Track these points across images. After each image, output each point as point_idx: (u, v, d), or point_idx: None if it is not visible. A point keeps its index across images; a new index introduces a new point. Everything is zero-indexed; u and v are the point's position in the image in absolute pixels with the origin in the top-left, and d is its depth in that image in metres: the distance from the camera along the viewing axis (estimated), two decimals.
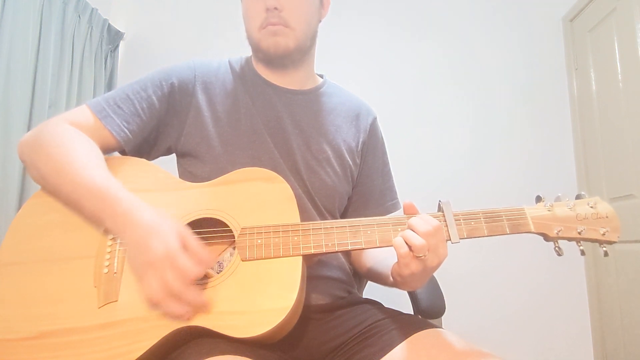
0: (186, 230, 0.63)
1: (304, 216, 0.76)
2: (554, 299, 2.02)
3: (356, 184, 0.94)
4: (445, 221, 0.68)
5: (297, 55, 0.86)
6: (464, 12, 2.28)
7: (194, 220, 0.71)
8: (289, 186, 0.73)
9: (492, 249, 2.02)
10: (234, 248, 0.67)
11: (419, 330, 0.70)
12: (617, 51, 1.86)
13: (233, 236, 0.68)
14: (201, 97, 0.85)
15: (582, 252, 0.71)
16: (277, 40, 0.82)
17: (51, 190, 0.72)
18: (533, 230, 0.70)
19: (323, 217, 0.86)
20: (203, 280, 0.64)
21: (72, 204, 0.69)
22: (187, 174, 0.84)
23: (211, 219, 0.71)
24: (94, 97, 2.10)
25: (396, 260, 0.66)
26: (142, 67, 2.17)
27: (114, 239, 0.69)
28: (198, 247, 0.62)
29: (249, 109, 0.85)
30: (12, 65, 1.71)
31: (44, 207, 0.72)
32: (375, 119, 0.98)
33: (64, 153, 0.70)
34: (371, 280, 0.90)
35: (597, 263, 2.00)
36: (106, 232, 0.69)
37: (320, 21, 0.91)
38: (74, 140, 0.73)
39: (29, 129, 1.73)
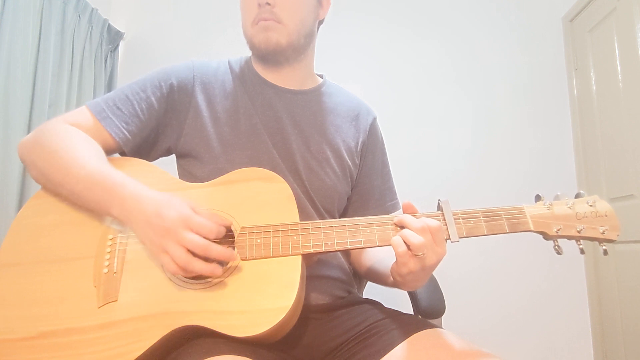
0: (193, 203, 0.65)
1: (303, 216, 0.76)
2: (554, 299, 2.02)
3: (356, 185, 0.94)
4: (445, 220, 0.68)
5: (290, 53, 0.86)
6: (464, 12, 2.28)
7: None
8: (288, 186, 0.73)
9: (492, 249, 2.02)
10: (234, 248, 0.67)
11: (419, 330, 0.70)
12: (617, 51, 1.86)
13: (233, 236, 0.68)
14: (200, 98, 0.85)
15: (582, 251, 0.71)
16: (268, 35, 0.81)
17: (53, 188, 0.72)
18: (532, 229, 0.70)
19: (322, 218, 0.86)
20: (203, 280, 0.64)
21: (76, 197, 0.69)
22: (186, 174, 0.84)
23: None
24: (94, 97, 2.11)
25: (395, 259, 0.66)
26: (142, 67, 2.17)
27: (113, 238, 0.69)
28: (208, 213, 0.64)
29: (248, 109, 0.85)
30: (12, 65, 1.71)
31: (44, 208, 0.72)
32: (375, 119, 0.98)
33: (65, 149, 0.71)
34: (371, 281, 0.90)
35: (597, 263, 1.99)
36: (111, 221, 0.69)
37: (319, 21, 0.91)
38: (73, 138, 0.74)
39: (29, 129, 1.74)
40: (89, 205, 0.69)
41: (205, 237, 0.61)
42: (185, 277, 0.64)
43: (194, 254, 0.60)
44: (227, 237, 0.70)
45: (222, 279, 0.64)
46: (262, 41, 0.82)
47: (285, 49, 0.84)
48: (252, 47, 0.86)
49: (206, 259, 0.61)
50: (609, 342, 1.90)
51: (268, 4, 0.80)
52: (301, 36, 0.85)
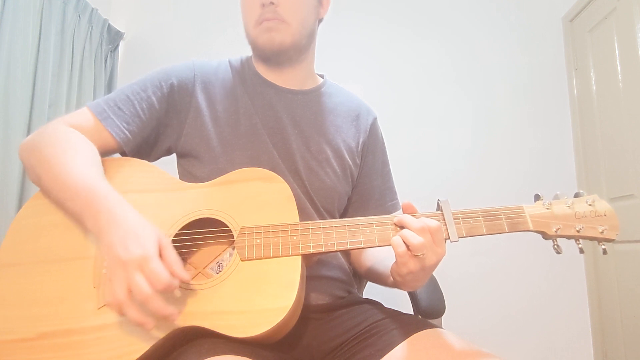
0: (167, 241, 0.61)
1: (303, 216, 0.76)
2: (554, 299, 2.02)
3: (356, 185, 0.94)
4: (444, 220, 0.68)
5: (293, 53, 0.86)
6: (464, 12, 2.29)
7: (193, 221, 0.71)
8: (288, 186, 0.73)
9: (492, 249, 2.02)
10: (234, 248, 0.67)
11: (419, 330, 0.70)
12: (617, 51, 1.86)
13: (232, 236, 0.68)
14: (200, 97, 0.85)
15: (581, 250, 0.71)
16: (272, 35, 0.81)
17: (44, 192, 0.72)
18: (532, 228, 0.70)
19: (322, 218, 0.86)
20: (203, 281, 0.64)
21: (60, 205, 0.69)
22: (186, 174, 0.84)
23: (210, 219, 0.71)
24: (94, 97, 2.11)
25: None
26: (142, 67, 2.17)
27: None
28: (175, 259, 0.60)
29: (248, 109, 0.85)
30: (12, 65, 1.71)
31: (44, 208, 0.72)
32: (375, 119, 0.98)
33: (58, 154, 0.70)
34: (371, 281, 0.90)
35: (597, 263, 1.99)
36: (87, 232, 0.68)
37: (319, 20, 0.91)
38: (69, 142, 0.73)
39: (29, 129, 1.73)
40: (71, 214, 0.68)
41: (151, 286, 0.56)
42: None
43: (133, 297, 0.57)
44: (227, 238, 0.70)
45: (222, 280, 0.64)
46: (266, 41, 0.82)
47: (289, 48, 0.84)
48: (256, 47, 0.85)
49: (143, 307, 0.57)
50: (609, 342, 1.90)
51: (272, 3, 0.79)
52: (304, 36, 0.85)
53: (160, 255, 0.59)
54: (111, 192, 0.66)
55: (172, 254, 0.60)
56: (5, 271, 0.67)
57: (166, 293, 0.58)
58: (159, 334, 0.60)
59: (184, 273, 0.59)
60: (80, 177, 0.67)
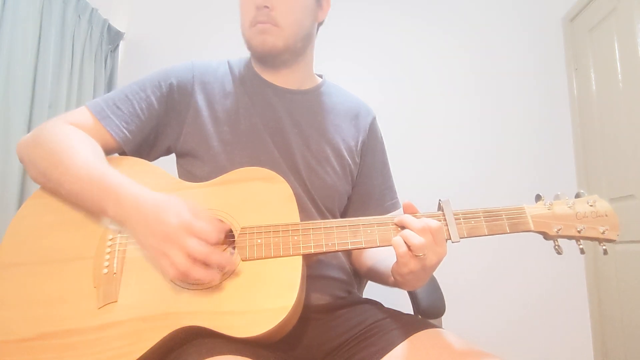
0: (194, 204, 0.64)
1: (304, 215, 0.76)
2: (554, 299, 2.02)
3: (356, 184, 0.94)
4: (445, 220, 0.68)
5: (288, 56, 0.86)
6: (464, 12, 2.28)
7: None
8: (288, 186, 0.73)
9: (492, 249, 2.02)
10: (234, 248, 0.67)
11: (419, 330, 0.70)
12: (617, 51, 1.86)
13: (233, 236, 0.68)
14: (200, 97, 0.85)
15: (582, 251, 0.71)
16: (265, 38, 0.81)
17: (52, 187, 0.72)
18: (533, 229, 0.70)
19: (323, 217, 0.86)
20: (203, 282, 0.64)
21: (74, 197, 0.69)
22: (186, 174, 0.84)
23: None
24: (94, 97, 2.10)
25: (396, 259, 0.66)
26: (142, 67, 2.17)
27: (113, 239, 0.69)
28: (208, 217, 0.63)
29: (248, 109, 0.85)
30: (12, 65, 1.70)
31: (43, 208, 0.72)
32: (374, 118, 0.98)
33: (64, 148, 0.71)
34: (372, 280, 0.90)
35: (598, 263, 1.99)
36: (109, 222, 0.68)
37: (318, 22, 0.91)
38: (73, 137, 0.73)
39: (29, 129, 1.73)
40: (86, 205, 0.69)
41: (206, 242, 0.60)
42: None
43: (195, 260, 0.60)
44: (227, 238, 0.70)
45: (222, 280, 0.64)
46: (259, 44, 0.82)
47: (282, 52, 0.84)
48: (250, 48, 0.86)
49: (206, 265, 0.61)
50: (609, 342, 1.90)
51: (266, 7, 0.80)
52: (298, 39, 0.85)
53: (195, 217, 0.62)
54: (124, 178, 0.67)
55: (203, 213, 0.63)
56: (5, 271, 0.67)
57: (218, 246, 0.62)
58: (159, 334, 0.60)
59: (221, 225, 0.64)
60: (92, 167, 0.68)
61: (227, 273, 0.65)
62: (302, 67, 0.91)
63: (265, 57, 0.86)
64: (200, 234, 0.60)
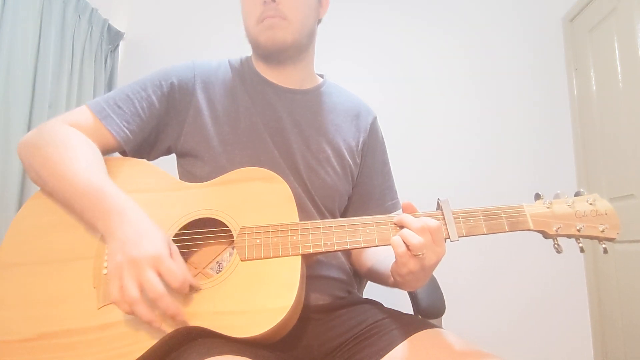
0: (175, 247, 0.64)
1: (304, 216, 0.76)
2: (554, 299, 2.02)
3: (356, 184, 0.94)
4: (444, 219, 0.68)
5: (294, 51, 0.86)
6: (464, 12, 2.29)
7: (193, 221, 0.71)
8: (287, 186, 0.73)
9: (491, 249, 2.02)
10: (233, 248, 0.67)
11: (419, 330, 0.70)
12: (617, 51, 1.86)
13: (232, 236, 0.68)
14: (201, 97, 0.85)
15: (582, 250, 0.71)
16: (275, 33, 0.81)
17: (49, 191, 0.72)
18: (532, 227, 0.70)
19: (323, 217, 0.86)
20: (203, 281, 0.64)
21: (66, 205, 0.69)
22: (186, 173, 0.84)
23: (210, 219, 0.71)
24: (94, 97, 2.10)
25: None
26: (142, 67, 2.17)
27: None
28: (184, 265, 0.62)
29: (248, 109, 0.85)
30: (12, 65, 1.70)
31: (44, 208, 0.72)
32: (375, 118, 0.98)
33: (61, 154, 0.70)
34: (372, 281, 0.90)
35: (597, 263, 1.99)
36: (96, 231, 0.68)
37: (318, 20, 0.91)
38: (71, 141, 0.73)
39: (29, 129, 1.73)
40: (78, 214, 0.68)
41: (167, 284, 0.58)
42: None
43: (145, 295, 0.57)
44: (226, 238, 0.70)
45: (222, 280, 0.64)
46: (268, 39, 0.82)
47: (290, 47, 0.84)
48: (257, 46, 0.85)
49: (154, 305, 0.57)
50: (609, 342, 1.90)
51: (274, 0, 0.80)
52: (304, 35, 0.85)
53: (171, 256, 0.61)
54: (119, 192, 0.66)
55: (181, 260, 0.62)
56: (5, 271, 0.67)
57: (178, 292, 0.60)
58: (159, 334, 0.60)
59: (193, 279, 0.62)
60: (86, 177, 0.67)
61: (230, 269, 0.65)
62: (304, 65, 0.91)
63: (272, 54, 0.86)
64: (166, 273, 0.58)
